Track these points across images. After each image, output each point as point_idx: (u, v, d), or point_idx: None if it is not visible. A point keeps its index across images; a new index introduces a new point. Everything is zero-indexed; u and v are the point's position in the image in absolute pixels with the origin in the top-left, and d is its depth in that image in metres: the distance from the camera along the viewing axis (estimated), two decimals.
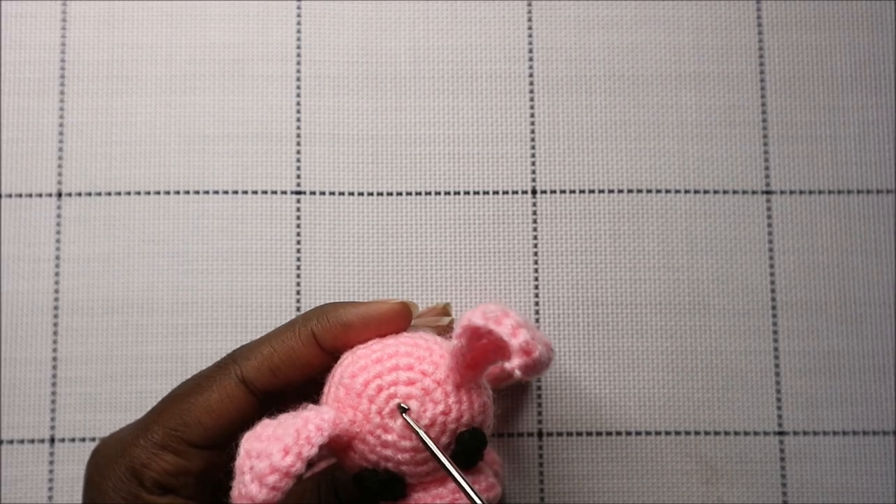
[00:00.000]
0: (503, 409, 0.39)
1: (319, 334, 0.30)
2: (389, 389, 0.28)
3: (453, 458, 0.28)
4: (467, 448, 0.28)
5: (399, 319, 0.31)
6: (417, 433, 0.28)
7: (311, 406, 0.28)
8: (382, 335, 0.30)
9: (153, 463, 0.29)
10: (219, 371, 0.31)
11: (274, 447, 0.26)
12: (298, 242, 0.40)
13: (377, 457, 0.28)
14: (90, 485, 0.30)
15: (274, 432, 0.26)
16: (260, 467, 0.25)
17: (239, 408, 0.30)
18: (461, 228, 0.40)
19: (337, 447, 0.28)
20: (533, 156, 0.41)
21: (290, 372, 0.30)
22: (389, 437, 0.27)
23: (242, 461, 0.26)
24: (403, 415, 0.28)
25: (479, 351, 0.27)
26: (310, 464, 0.31)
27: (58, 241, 0.40)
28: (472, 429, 0.28)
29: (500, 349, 0.26)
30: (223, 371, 0.30)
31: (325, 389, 0.29)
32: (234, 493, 0.26)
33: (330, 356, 0.31)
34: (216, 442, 0.29)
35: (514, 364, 0.25)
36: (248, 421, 0.28)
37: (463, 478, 0.27)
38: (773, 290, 0.40)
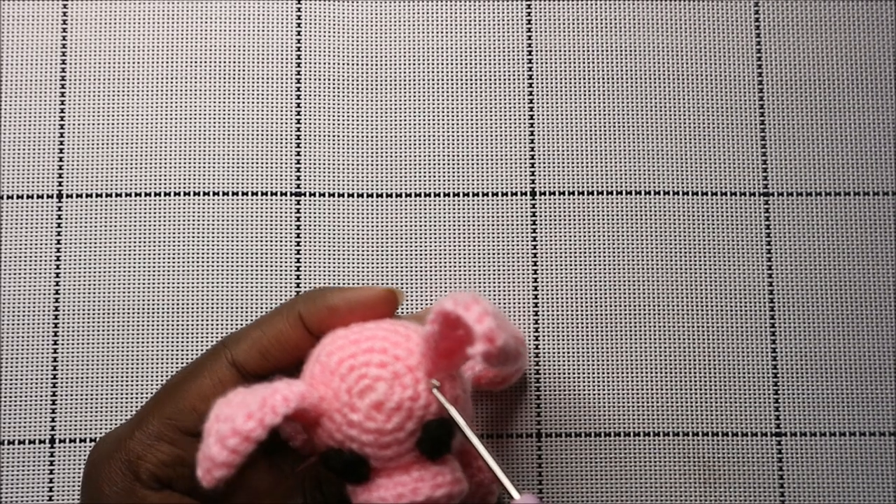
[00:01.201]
0: (502, 410, 0.39)
1: (307, 317, 0.31)
2: (361, 370, 0.28)
3: (418, 446, 0.28)
4: (432, 437, 0.28)
5: (384, 306, 0.31)
6: (447, 409, 0.28)
7: (285, 379, 0.28)
8: (367, 320, 0.31)
9: (149, 454, 0.29)
10: (210, 357, 0.31)
11: (239, 412, 0.26)
12: (298, 244, 0.40)
13: (343, 436, 0.28)
14: (87, 483, 0.30)
15: (243, 399, 0.27)
16: (223, 430, 0.26)
17: None
18: (460, 230, 0.40)
19: (307, 423, 0.28)
20: (532, 157, 0.41)
21: (279, 354, 0.30)
22: (355, 417, 0.28)
23: (210, 424, 0.26)
24: (435, 391, 0.28)
25: (455, 341, 0.27)
26: (302, 458, 0.31)
27: (58, 241, 0.40)
28: (440, 419, 0.28)
29: (472, 340, 0.26)
30: (214, 357, 0.31)
31: (304, 367, 0.30)
32: (199, 454, 0.26)
33: (317, 339, 0.31)
34: None
35: (476, 350, 0.25)
36: None
37: (491, 457, 0.28)
38: (770, 292, 0.40)
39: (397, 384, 0.28)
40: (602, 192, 0.41)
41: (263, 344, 0.30)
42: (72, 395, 0.39)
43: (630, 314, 0.40)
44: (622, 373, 0.40)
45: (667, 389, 0.40)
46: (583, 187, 0.41)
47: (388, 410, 0.28)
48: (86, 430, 0.39)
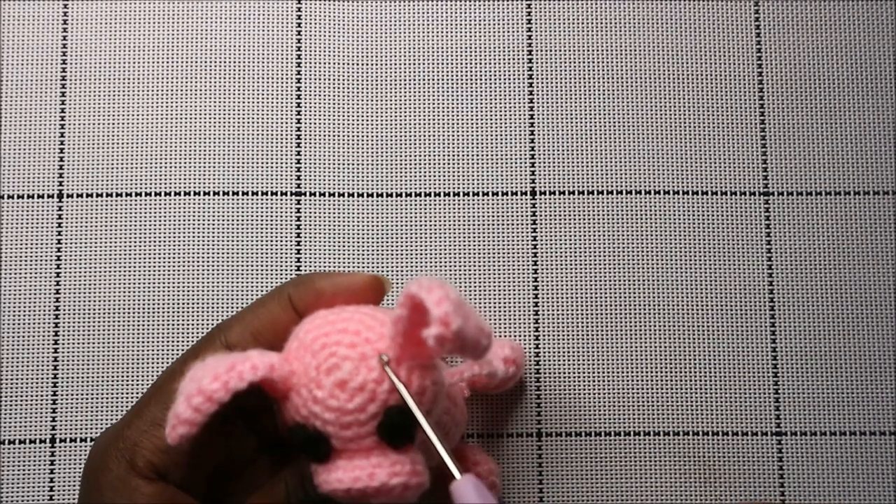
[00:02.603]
0: (503, 409, 0.39)
1: (296, 300, 0.31)
2: (331, 348, 0.28)
3: (378, 430, 0.28)
4: (392, 422, 0.28)
5: (370, 292, 0.31)
6: (393, 381, 0.28)
7: (261, 350, 0.29)
8: (352, 305, 0.31)
9: (145, 440, 0.29)
10: (205, 342, 0.31)
11: (208, 374, 0.27)
12: (299, 244, 0.40)
13: (307, 412, 0.28)
14: (85, 475, 0.30)
15: (216, 363, 0.27)
16: (189, 388, 0.27)
17: None
18: (461, 229, 0.40)
19: (278, 396, 0.29)
20: (532, 157, 0.41)
21: (270, 336, 0.31)
22: (319, 394, 0.28)
23: (183, 384, 0.27)
24: (386, 367, 0.28)
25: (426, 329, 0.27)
26: (286, 452, 0.31)
27: (59, 241, 0.40)
28: (403, 406, 0.28)
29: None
30: (209, 342, 0.31)
31: (286, 344, 0.30)
32: (169, 412, 0.27)
33: None
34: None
35: (430, 332, 0.25)
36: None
37: (431, 426, 0.28)
38: (770, 292, 0.40)
39: (363, 365, 0.28)
40: (602, 192, 0.41)
41: (255, 326, 0.31)
42: (72, 394, 0.39)
43: (630, 313, 0.40)
44: (622, 372, 0.40)
45: (667, 389, 0.40)
46: (583, 187, 0.41)
47: (350, 390, 0.28)
48: (86, 429, 0.39)
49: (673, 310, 0.40)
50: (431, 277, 0.27)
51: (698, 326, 0.40)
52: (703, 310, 0.40)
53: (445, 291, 0.26)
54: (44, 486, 0.38)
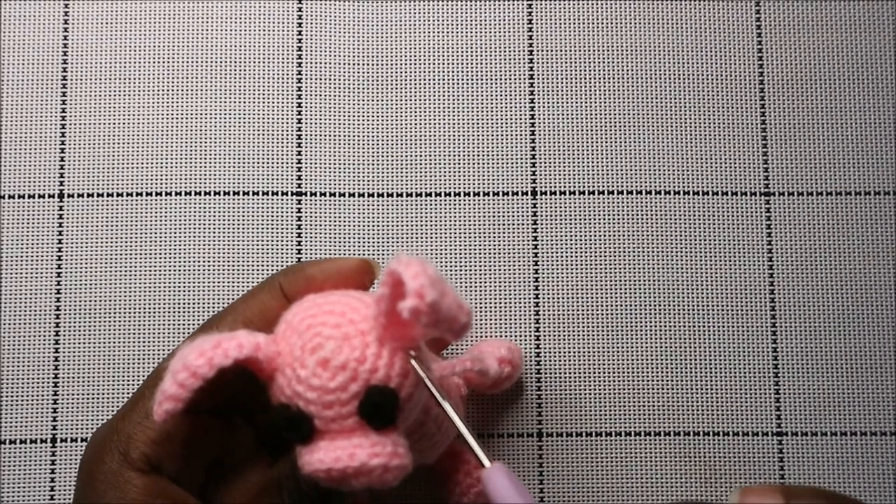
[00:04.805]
0: (503, 409, 0.39)
1: (286, 288, 0.31)
2: (316, 328, 0.29)
3: (359, 410, 0.28)
4: (372, 402, 0.28)
5: (359, 276, 0.32)
6: (417, 372, 0.28)
7: (249, 330, 0.29)
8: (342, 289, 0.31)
9: (138, 432, 0.29)
10: (199, 334, 0.31)
11: (194, 350, 0.28)
12: (299, 244, 0.40)
13: (291, 391, 0.28)
14: (80, 469, 0.31)
15: (203, 341, 0.28)
16: (175, 365, 0.27)
17: None
18: (461, 229, 0.40)
19: (264, 377, 0.29)
20: (533, 157, 0.41)
21: (262, 325, 0.31)
22: (302, 373, 0.28)
23: (172, 362, 0.28)
24: (412, 360, 0.28)
25: None
26: (284, 445, 0.31)
27: (60, 241, 0.40)
28: (383, 386, 0.28)
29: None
30: (202, 332, 0.31)
31: (275, 329, 0.30)
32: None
33: None
34: (200, 402, 0.29)
35: (406, 305, 0.26)
36: (231, 379, 0.29)
37: (456, 413, 0.28)
38: (771, 292, 0.40)
39: (346, 345, 0.28)
40: (603, 192, 0.41)
41: (247, 315, 0.31)
42: (73, 394, 0.39)
43: (631, 314, 0.40)
44: (623, 372, 0.40)
45: (668, 389, 0.40)
46: (584, 187, 0.41)
47: (333, 368, 0.28)
48: (87, 429, 0.39)
49: (673, 310, 0.40)
50: (412, 254, 0.27)
51: (699, 326, 0.40)
52: (703, 310, 0.40)
53: (423, 266, 0.26)
54: (44, 486, 0.38)
